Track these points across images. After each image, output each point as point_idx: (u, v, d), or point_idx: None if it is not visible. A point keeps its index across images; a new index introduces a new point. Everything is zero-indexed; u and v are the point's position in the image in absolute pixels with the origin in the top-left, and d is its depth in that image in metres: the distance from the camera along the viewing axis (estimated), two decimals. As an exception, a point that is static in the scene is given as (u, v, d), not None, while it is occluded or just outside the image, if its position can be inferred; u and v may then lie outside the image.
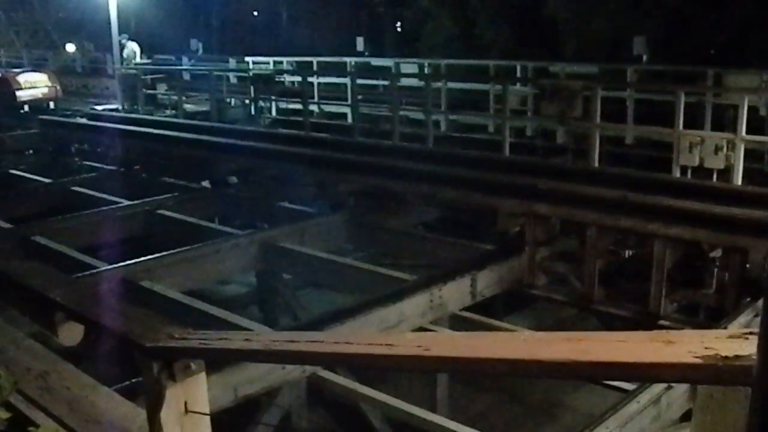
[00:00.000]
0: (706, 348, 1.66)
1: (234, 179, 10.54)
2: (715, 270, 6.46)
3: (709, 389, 1.74)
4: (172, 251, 7.58)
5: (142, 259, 7.33)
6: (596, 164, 10.42)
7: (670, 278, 6.45)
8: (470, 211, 8.49)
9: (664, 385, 4.61)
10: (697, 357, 1.63)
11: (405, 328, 6.22)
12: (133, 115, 16.30)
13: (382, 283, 7.08)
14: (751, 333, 1.74)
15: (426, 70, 19.54)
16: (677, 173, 9.40)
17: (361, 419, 6.36)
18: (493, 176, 8.55)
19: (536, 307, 9.03)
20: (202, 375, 3.07)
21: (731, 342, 1.69)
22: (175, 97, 18.40)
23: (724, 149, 8.91)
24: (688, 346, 1.69)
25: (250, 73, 19.25)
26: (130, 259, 7.27)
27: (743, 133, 9.03)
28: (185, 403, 3.04)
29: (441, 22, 26.53)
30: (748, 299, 6.05)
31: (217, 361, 5.66)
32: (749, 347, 1.64)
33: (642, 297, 6.61)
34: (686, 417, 4.78)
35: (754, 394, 1.47)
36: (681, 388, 4.76)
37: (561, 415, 7.99)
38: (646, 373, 1.77)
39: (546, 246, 7.50)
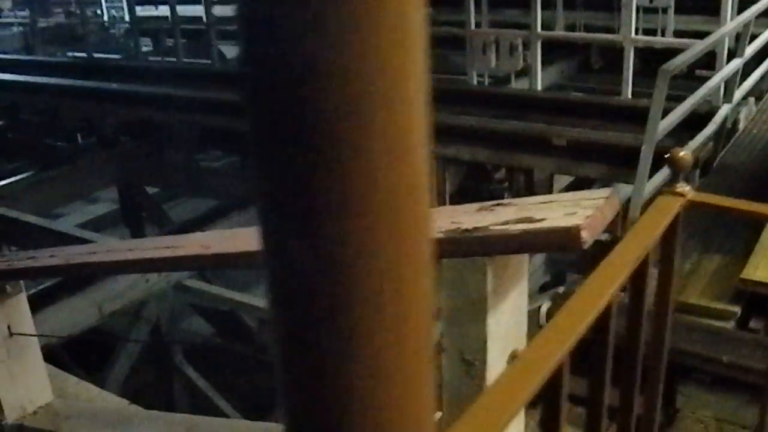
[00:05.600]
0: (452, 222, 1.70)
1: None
2: (504, 193, 6.16)
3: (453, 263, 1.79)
4: (25, 174, 7.33)
5: (-6, 185, 7.06)
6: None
7: (453, 203, 6.04)
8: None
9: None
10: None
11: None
12: None
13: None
14: (499, 204, 1.80)
15: None
16: (474, 80, 7.64)
17: (238, 323, 6.40)
18: None
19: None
20: (22, 296, 3.00)
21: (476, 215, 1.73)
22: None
23: (520, 47, 7.17)
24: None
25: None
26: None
27: (539, 28, 7.21)
28: (8, 327, 2.98)
29: None
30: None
31: (75, 281, 5.58)
32: (492, 217, 1.68)
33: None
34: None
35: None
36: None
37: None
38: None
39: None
